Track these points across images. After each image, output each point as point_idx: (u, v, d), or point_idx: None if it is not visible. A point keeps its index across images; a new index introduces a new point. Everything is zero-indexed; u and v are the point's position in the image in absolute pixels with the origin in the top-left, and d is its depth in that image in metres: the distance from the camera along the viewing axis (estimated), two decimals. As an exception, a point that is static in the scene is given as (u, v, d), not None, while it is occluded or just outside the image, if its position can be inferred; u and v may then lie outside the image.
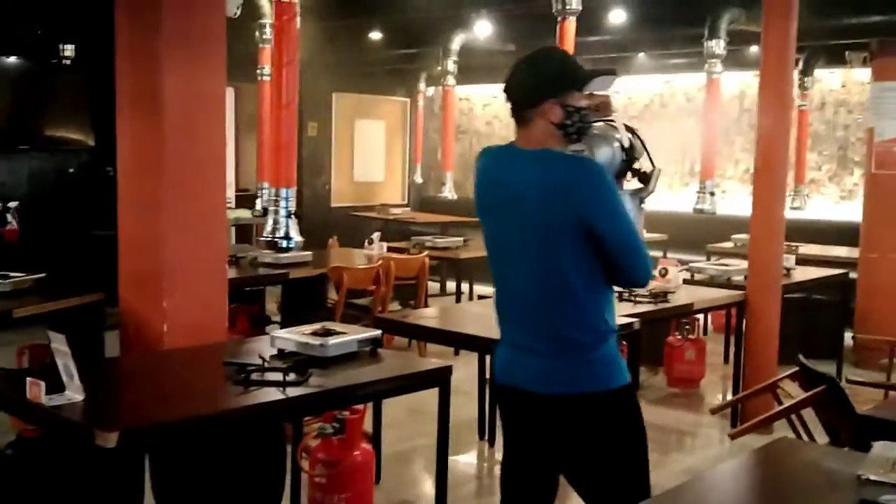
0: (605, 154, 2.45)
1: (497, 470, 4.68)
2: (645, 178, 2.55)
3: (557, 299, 2.37)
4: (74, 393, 2.61)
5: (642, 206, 2.54)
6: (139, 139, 4.39)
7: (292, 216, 4.98)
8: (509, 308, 2.49)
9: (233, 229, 8.62)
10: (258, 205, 7.93)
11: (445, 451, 3.30)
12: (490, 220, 2.50)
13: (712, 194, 7.42)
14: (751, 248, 5.55)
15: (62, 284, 4.95)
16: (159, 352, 3.87)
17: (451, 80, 8.78)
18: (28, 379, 2.66)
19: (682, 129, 10.06)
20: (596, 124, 2.48)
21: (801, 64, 8.53)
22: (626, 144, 2.48)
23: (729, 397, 5.87)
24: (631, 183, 2.59)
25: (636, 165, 2.55)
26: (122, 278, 4.48)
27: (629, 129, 2.52)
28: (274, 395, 2.83)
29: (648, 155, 2.54)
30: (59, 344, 2.64)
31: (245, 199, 9.31)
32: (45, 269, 4.86)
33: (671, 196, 9.84)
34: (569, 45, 5.61)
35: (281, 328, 4.40)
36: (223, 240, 4.57)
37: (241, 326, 5.74)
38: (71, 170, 8.87)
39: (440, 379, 3.25)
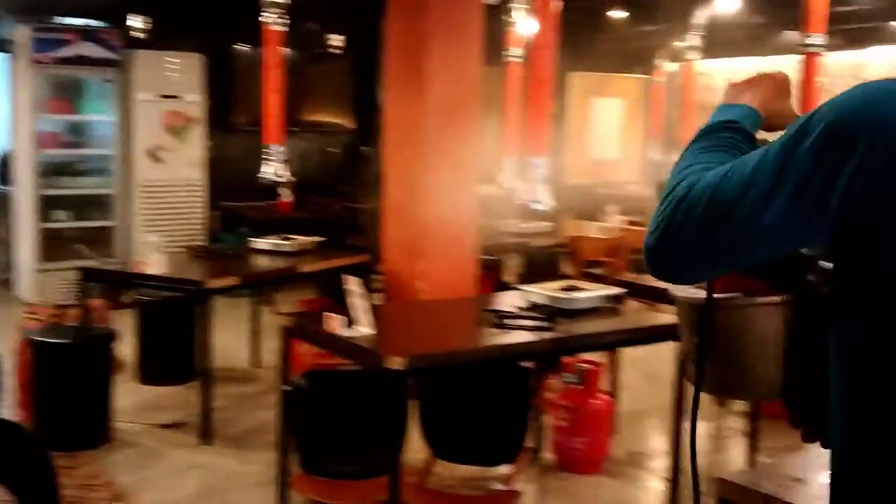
0: None
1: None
2: None
3: None
4: (365, 327, 3.10)
5: None
6: (402, 116, 4.94)
7: (544, 182, 5.32)
8: None
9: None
10: (502, 180, 8.31)
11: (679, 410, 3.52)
12: None
13: None
14: None
15: (334, 248, 5.62)
16: (422, 301, 4.37)
17: (693, 55, 8.90)
18: (325, 314, 3.20)
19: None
20: None
21: None
22: None
23: None
24: None
25: None
26: (385, 241, 5.07)
27: None
28: (526, 337, 3.21)
29: None
30: (353, 285, 3.15)
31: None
32: (317, 235, 5.52)
33: None
34: (818, 17, 5.50)
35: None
36: (474, 208, 5.02)
37: (485, 290, 6.19)
38: (333, 150, 9.79)
39: (675, 335, 3.47)
